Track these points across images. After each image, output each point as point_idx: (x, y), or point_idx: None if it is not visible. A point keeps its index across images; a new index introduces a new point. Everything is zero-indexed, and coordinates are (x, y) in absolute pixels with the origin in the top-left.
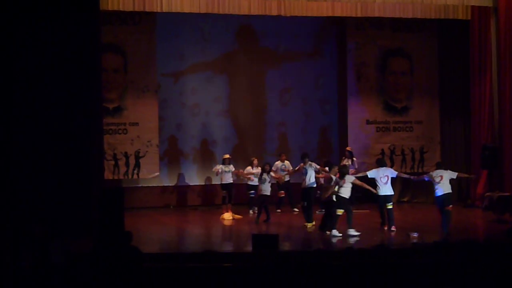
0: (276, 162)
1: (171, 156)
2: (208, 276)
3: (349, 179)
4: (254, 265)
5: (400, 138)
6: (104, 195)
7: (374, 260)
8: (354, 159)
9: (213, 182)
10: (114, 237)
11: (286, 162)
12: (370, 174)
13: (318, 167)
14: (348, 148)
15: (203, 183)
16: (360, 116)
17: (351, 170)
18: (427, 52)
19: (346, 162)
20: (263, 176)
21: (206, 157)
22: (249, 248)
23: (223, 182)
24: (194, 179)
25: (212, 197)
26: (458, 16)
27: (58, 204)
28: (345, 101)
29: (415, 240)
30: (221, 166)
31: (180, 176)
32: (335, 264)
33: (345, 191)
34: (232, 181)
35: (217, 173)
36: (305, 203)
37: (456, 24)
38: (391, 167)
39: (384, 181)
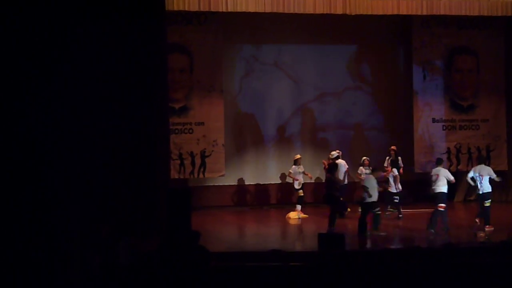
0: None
1: (237, 155)
2: (274, 275)
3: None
4: (321, 265)
5: (466, 136)
6: (172, 195)
7: (441, 259)
8: (399, 158)
9: (278, 182)
10: (181, 237)
11: None
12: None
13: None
14: (393, 147)
15: (263, 183)
16: (426, 115)
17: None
18: (494, 50)
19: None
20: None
21: (276, 155)
22: (316, 247)
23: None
24: (261, 178)
25: (280, 196)
26: None
27: (126, 204)
28: (411, 100)
29: (482, 240)
30: (293, 167)
31: (246, 175)
32: (403, 263)
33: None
34: (303, 181)
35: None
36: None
37: None
38: (457, 165)
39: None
